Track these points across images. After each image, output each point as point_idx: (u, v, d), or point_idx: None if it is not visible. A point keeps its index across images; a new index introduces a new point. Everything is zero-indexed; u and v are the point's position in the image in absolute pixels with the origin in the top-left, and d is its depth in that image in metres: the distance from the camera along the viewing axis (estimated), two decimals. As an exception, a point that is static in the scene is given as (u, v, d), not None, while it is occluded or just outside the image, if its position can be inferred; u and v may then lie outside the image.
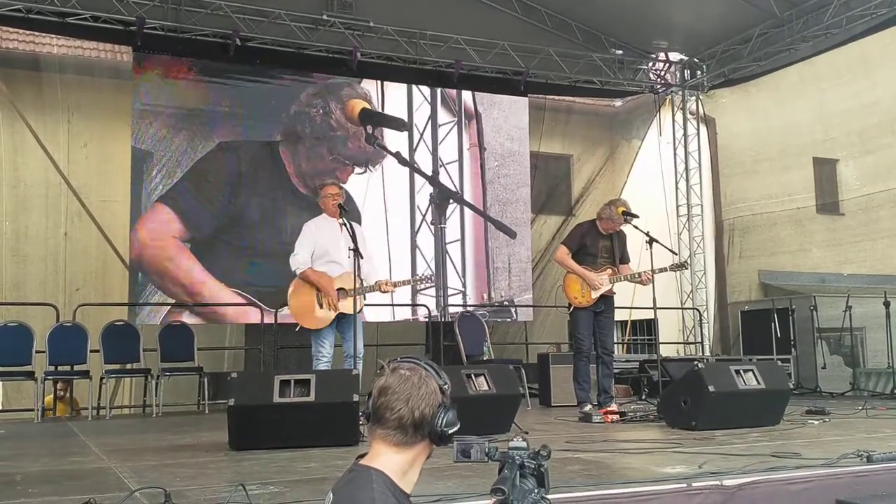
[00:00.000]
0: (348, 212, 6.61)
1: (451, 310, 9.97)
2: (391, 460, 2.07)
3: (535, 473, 2.08)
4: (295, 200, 10.61)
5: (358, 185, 11.08)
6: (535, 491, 2.06)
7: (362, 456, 2.12)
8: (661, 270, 7.33)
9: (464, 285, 11.66)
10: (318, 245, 6.51)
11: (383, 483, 2.02)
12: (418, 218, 11.55)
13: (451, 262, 11.64)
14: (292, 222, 9.73)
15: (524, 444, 2.11)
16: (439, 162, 11.81)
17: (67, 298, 9.87)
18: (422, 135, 11.73)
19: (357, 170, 11.19)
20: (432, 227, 11.61)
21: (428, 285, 6.71)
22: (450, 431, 2.10)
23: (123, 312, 9.55)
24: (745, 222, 13.02)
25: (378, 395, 2.11)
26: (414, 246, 11.41)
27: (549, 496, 3.34)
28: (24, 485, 4.09)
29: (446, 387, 2.15)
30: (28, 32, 10.34)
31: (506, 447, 2.12)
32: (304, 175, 10.76)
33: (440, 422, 2.09)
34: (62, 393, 8.99)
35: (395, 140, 11.52)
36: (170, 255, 9.98)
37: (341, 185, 7.15)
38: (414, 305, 10.55)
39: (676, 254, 7.90)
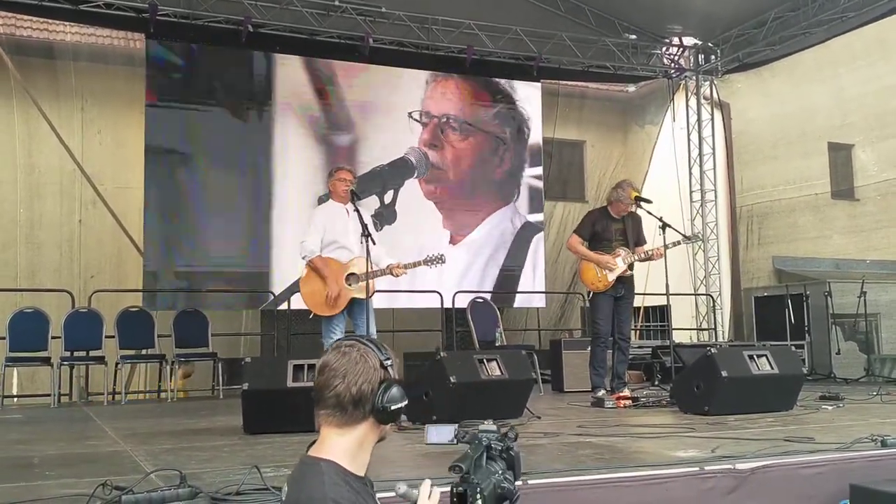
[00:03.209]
0: (360, 198, 6.60)
1: (467, 297, 9.96)
2: (338, 445, 2.01)
3: (505, 457, 2.04)
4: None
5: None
6: (500, 472, 2.01)
7: (313, 443, 2.06)
8: (675, 244, 7.31)
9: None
10: (327, 232, 6.45)
11: (334, 474, 1.96)
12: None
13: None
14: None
15: (493, 428, 2.07)
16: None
17: (82, 285, 9.92)
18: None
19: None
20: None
21: (439, 265, 6.63)
22: (392, 407, 2.02)
23: (138, 299, 9.60)
24: (763, 209, 12.92)
25: (317, 375, 2.06)
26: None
27: (561, 479, 3.37)
28: (41, 467, 4.14)
29: (388, 362, 2.07)
30: (42, 20, 10.36)
31: (476, 430, 2.08)
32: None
33: (381, 398, 2.01)
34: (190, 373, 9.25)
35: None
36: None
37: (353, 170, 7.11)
38: (425, 292, 10.52)
39: (689, 238, 7.86)
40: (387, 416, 2.03)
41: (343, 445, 2.01)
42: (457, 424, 2.12)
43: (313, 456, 2.02)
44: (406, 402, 2.06)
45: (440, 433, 2.11)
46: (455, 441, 2.08)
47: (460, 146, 11.79)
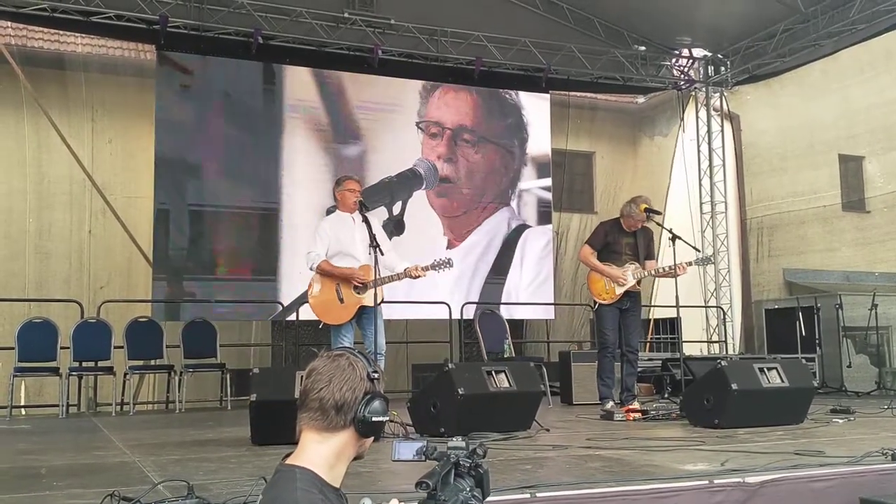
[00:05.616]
0: (369, 208, 6.58)
1: (475, 308, 9.94)
2: (317, 453, 1.99)
3: (474, 475, 2.01)
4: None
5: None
6: (467, 489, 1.98)
7: (289, 454, 2.04)
8: (687, 265, 7.26)
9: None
10: (333, 241, 6.41)
11: (308, 481, 1.93)
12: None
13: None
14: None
15: (462, 444, 2.04)
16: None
17: (92, 296, 9.94)
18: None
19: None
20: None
21: (447, 269, 6.59)
22: (373, 419, 2.01)
23: (147, 309, 9.61)
24: (772, 220, 12.88)
25: (305, 378, 2.06)
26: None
27: (570, 492, 3.35)
28: (49, 478, 4.14)
29: (376, 375, 2.07)
30: (53, 31, 10.45)
31: (445, 447, 2.05)
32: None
33: (364, 408, 2.01)
34: None
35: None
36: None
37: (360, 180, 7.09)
38: (433, 303, 10.49)
39: (700, 251, 7.82)
40: (367, 427, 2.02)
41: (321, 453, 2.00)
42: (425, 440, 2.08)
43: (289, 463, 2.00)
44: (387, 418, 2.06)
45: (407, 450, 2.07)
46: (423, 458, 2.05)
47: (474, 159, 11.81)
